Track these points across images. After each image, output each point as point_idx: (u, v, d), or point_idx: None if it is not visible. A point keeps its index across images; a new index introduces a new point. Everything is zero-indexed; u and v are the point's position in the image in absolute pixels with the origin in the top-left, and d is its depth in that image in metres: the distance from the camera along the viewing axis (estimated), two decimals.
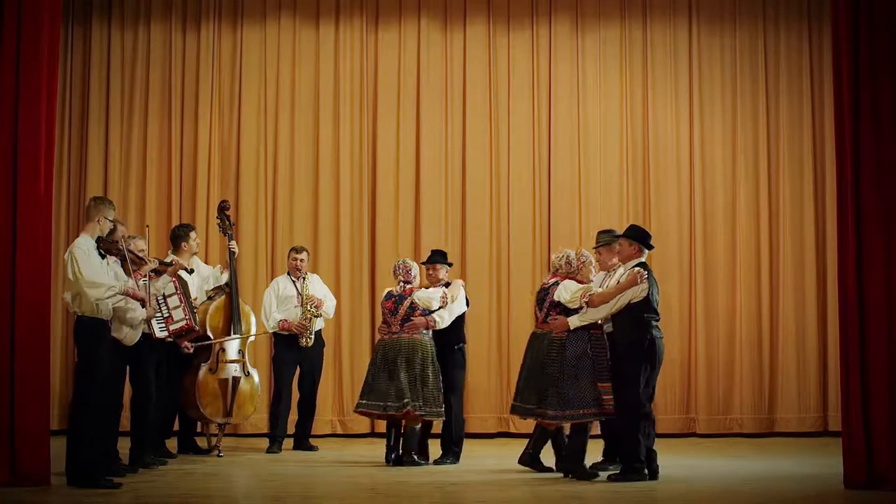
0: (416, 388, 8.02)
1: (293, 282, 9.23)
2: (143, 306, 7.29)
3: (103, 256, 7.09)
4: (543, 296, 7.80)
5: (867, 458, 6.97)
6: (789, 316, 10.55)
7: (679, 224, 10.66)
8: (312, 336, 9.11)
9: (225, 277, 8.99)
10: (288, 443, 9.23)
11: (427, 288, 8.34)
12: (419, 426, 8.11)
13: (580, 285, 7.64)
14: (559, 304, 7.64)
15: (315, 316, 9.12)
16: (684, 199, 10.69)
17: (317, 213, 10.59)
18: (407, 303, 8.20)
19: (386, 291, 8.44)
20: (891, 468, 6.94)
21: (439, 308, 8.18)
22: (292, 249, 9.38)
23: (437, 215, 10.57)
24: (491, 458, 8.36)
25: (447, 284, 8.38)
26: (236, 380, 8.74)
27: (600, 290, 7.61)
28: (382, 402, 8.07)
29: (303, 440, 9.26)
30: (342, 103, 10.66)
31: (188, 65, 10.66)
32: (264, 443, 9.28)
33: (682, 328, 10.54)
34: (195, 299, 8.58)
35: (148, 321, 7.86)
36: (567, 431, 7.82)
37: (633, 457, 7.38)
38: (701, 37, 10.82)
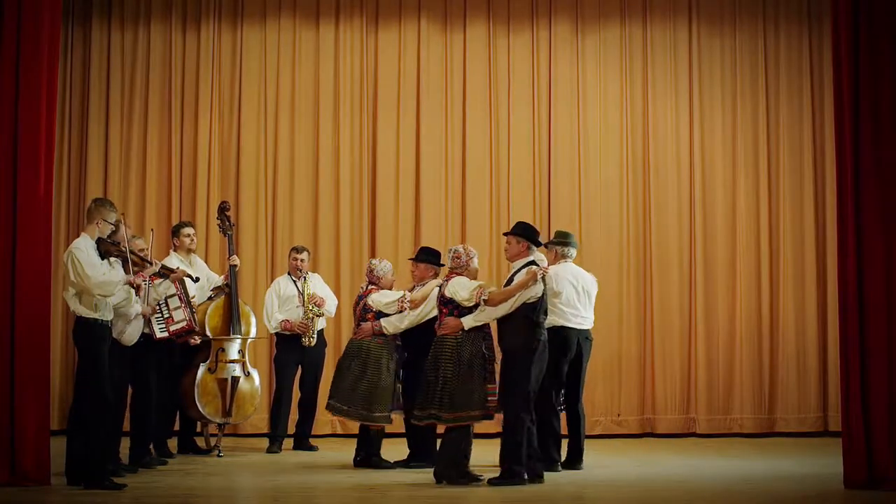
0: (365, 392, 7.90)
1: (294, 282, 9.23)
2: (137, 293, 7.26)
3: (103, 258, 7.09)
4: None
5: (867, 458, 6.98)
6: (789, 316, 10.55)
7: (679, 224, 10.66)
8: (315, 335, 9.11)
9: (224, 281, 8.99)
10: (288, 443, 9.24)
11: (413, 288, 8.19)
12: (383, 428, 8.05)
13: (473, 282, 7.41)
14: (450, 301, 7.37)
15: (317, 315, 9.12)
16: (684, 199, 10.69)
17: (317, 213, 10.59)
18: (362, 304, 8.12)
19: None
20: (891, 468, 6.94)
21: (396, 313, 7.97)
22: (293, 249, 9.39)
23: (438, 215, 10.57)
24: (490, 458, 8.33)
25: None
26: (235, 379, 8.73)
27: (495, 288, 7.42)
28: (342, 404, 8.01)
29: (303, 440, 9.27)
30: (342, 103, 10.66)
31: (188, 65, 10.66)
32: (264, 443, 9.29)
33: (682, 328, 10.54)
34: (193, 297, 8.57)
35: (148, 321, 7.88)
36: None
37: (516, 459, 7.21)
38: (701, 37, 10.82)
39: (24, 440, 6.96)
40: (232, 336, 8.78)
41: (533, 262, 7.37)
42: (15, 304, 7.03)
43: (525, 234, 7.48)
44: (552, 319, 7.88)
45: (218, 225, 9.14)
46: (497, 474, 7.32)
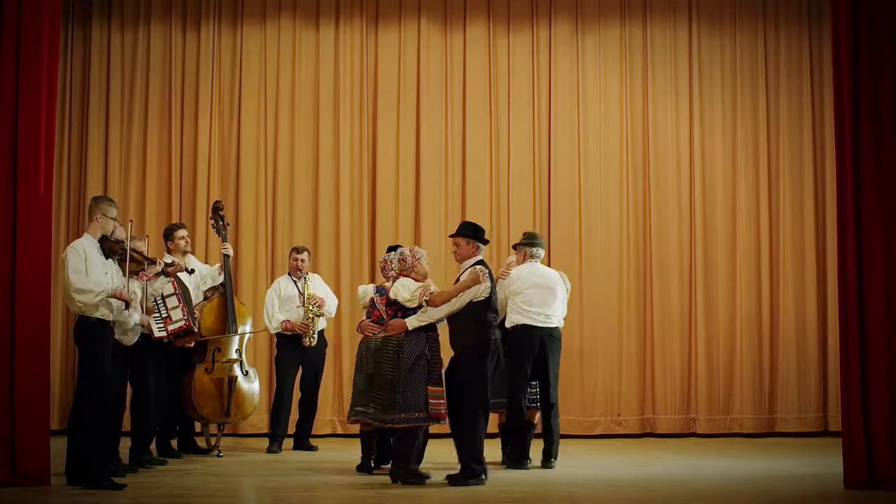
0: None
1: (294, 282, 9.23)
2: (127, 308, 7.17)
3: (107, 257, 7.08)
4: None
5: (867, 458, 6.98)
6: (789, 316, 10.55)
7: (679, 224, 10.66)
8: (315, 336, 9.12)
9: (221, 278, 8.98)
10: (288, 443, 9.24)
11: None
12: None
13: (418, 283, 7.42)
14: (395, 303, 7.43)
15: (317, 315, 9.12)
16: (684, 199, 10.69)
17: (317, 213, 10.59)
18: (386, 299, 7.66)
19: (375, 286, 7.96)
20: (891, 468, 6.95)
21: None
22: (293, 249, 9.39)
23: (437, 215, 10.57)
24: (490, 458, 8.33)
25: None
26: (232, 379, 8.73)
27: (436, 289, 7.45)
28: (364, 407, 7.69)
29: (303, 440, 9.27)
30: (342, 103, 10.66)
31: (188, 65, 10.66)
32: (264, 443, 9.29)
33: (682, 328, 10.55)
34: (197, 305, 8.58)
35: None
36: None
37: (473, 457, 7.20)
38: (701, 37, 10.82)
39: (24, 440, 6.96)
40: (228, 335, 8.76)
41: (480, 262, 7.39)
42: (15, 304, 7.03)
43: (473, 234, 7.49)
44: (515, 318, 8.02)
45: (212, 224, 9.11)
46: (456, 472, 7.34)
